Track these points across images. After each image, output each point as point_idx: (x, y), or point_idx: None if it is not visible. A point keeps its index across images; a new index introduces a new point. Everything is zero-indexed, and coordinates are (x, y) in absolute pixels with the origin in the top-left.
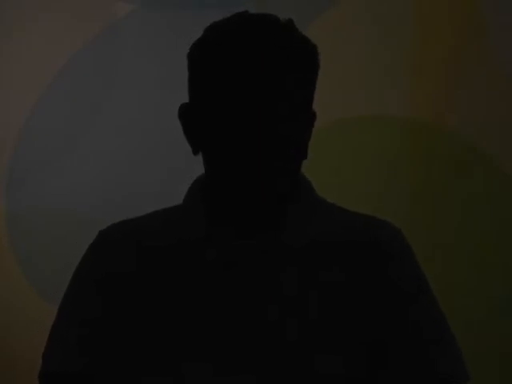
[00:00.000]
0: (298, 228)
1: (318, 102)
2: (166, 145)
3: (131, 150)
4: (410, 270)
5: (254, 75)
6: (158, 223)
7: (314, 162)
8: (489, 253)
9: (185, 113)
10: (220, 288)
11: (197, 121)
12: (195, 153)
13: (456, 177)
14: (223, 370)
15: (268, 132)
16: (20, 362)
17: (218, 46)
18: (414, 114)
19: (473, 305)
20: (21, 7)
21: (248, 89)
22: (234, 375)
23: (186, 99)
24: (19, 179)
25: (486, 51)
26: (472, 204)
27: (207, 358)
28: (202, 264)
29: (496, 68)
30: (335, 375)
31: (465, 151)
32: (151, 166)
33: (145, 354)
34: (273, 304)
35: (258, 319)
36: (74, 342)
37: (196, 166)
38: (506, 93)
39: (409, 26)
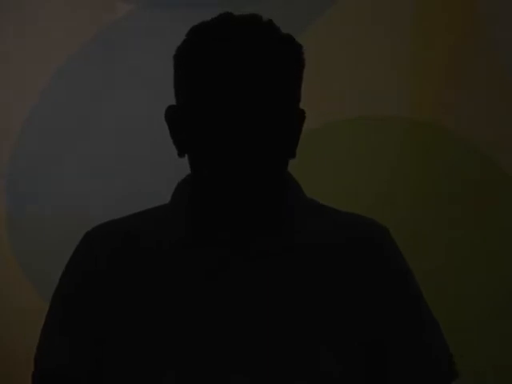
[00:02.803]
0: (291, 229)
1: (317, 103)
2: (167, 145)
3: (131, 150)
4: (400, 266)
5: (238, 76)
6: (144, 223)
7: (314, 162)
8: (489, 252)
9: (171, 115)
10: (211, 291)
11: (182, 122)
12: (180, 155)
13: (456, 177)
14: (215, 373)
15: (253, 132)
16: (20, 362)
17: (202, 48)
18: (414, 114)
19: (473, 305)
20: (20, 7)
21: (232, 90)
22: (227, 376)
23: None
24: (19, 180)
25: (486, 51)
26: (472, 204)
27: (197, 361)
28: (189, 266)
29: (496, 68)
30: (334, 376)
31: (464, 151)
32: (152, 166)
33: (130, 357)
34: (268, 306)
35: (254, 322)
36: (63, 339)
37: None
38: (506, 93)
39: (409, 26)
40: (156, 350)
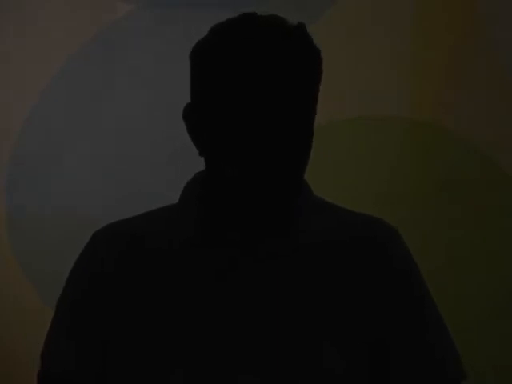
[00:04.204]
0: (297, 229)
1: (318, 102)
2: (167, 144)
3: (131, 150)
4: (404, 266)
5: (257, 77)
6: (152, 223)
7: (314, 162)
8: (489, 252)
9: (189, 113)
10: (220, 291)
11: (204, 122)
12: (201, 153)
13: (456, 177)
14: (223, 373)
15: (272, 133)
16: (20, 362)
17: (224, 47)
18: (414, 114)
19: (473, 305)
20: (20, 7)
21: (251, 91)
22: (236, 376)
23: (186, 99)
24: (19, 180)
25: (486, 51)
26: (472, 204)
27: (205, 361)
28: (198, 266)
29: (496, 68)
30: (338, 373)
31: (464, 151)
32: (152, 166)
33: (137, 358)
34: (276, 307)
35: (262, 322)
36: (70, 343)
37: (198, 166)
38: (506, 93)
39: (409, 26)
40: (164, 350)
